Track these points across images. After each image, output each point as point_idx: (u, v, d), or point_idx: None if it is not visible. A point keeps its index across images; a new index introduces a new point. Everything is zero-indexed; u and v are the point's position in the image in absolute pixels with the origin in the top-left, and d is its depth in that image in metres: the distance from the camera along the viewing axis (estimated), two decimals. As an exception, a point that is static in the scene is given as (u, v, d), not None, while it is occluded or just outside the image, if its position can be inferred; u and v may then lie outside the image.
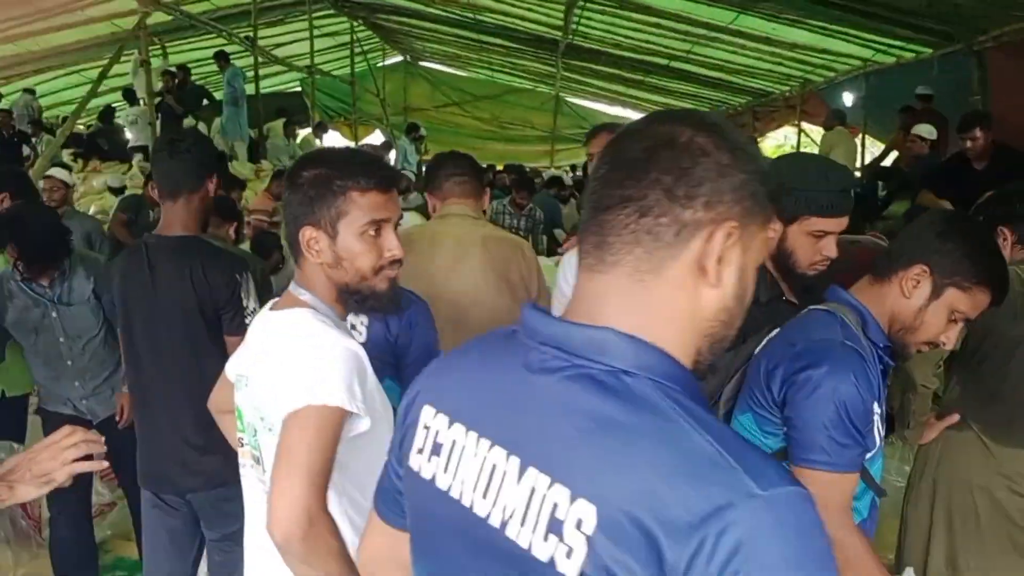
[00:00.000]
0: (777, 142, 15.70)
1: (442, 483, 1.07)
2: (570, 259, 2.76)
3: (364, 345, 2.39)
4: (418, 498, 1.13)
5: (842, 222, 2.20)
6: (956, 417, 2.80)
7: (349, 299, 1.83)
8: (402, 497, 1.19)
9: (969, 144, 5.58)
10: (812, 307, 1.99)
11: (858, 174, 9.52)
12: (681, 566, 0.82)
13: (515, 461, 0.98)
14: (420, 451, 1.11)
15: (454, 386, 1.12)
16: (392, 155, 13.93)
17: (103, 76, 8.07)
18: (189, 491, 2.83)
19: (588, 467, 0.90)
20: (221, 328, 2.76)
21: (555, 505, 0.92)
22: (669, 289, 0.96)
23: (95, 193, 10.34)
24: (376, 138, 18.38)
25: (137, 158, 11.12)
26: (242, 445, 1.90)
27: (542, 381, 0.98)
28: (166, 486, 2.88)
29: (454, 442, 1.06)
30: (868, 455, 1.85)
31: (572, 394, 0.95)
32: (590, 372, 0.95)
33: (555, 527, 0.91)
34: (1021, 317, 2.63)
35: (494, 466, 1.00)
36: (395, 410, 2.49)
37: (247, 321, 2.65)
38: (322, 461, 1.57)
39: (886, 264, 1.98)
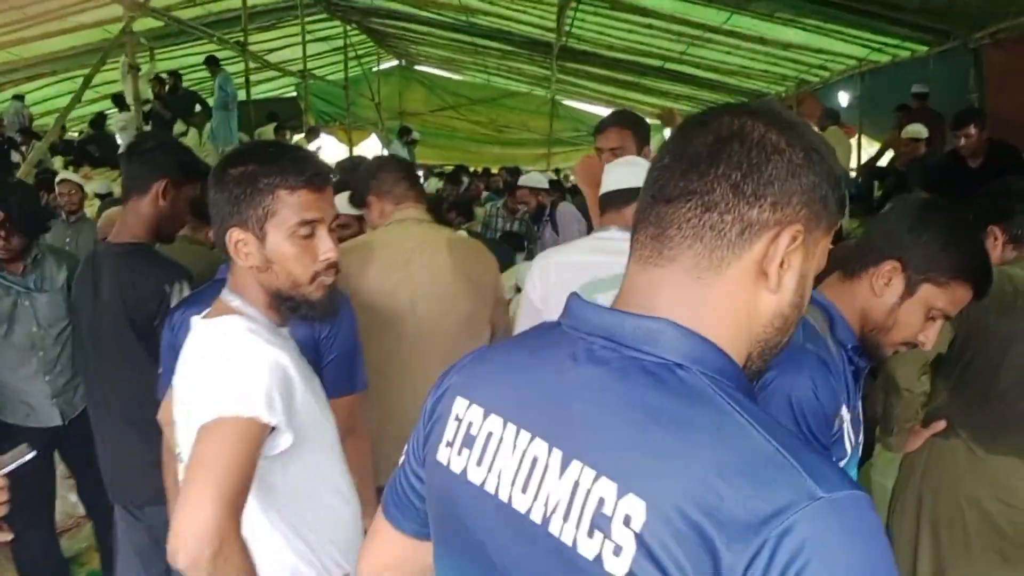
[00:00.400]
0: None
1: (475, 477, 1.02)
2: (538, 264, 2.65)
3: None
4: (445, 494, 1.07)
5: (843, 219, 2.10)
6: (943, 424, 2.69)
7: (282, 306, 1.72)
8: (419, 500, 1.15)
9: (963, 141, 5.51)
10: None
11: (853, 174, 9.45)
12: (739, 569, 0.78)
13: (557, 454, 0.93)
14: (449, 444, 1.06)
15: (490, 378, 1.07)
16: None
17: (87, 83, 7.96)
18: (145, 503, 2.73)
19: (637, 461, 0.86)
20: (155, 339, 2.64)
21: (601, 500, 0.87)
22: (728, 289, 0.93)
23: (87, 200, 10.26)
24: (372, 142, 18.31)
25: (127, 164, 11.06)
26: (181, 461, 1.78)
27: (589, 371, 0.95)
28: (122, 497, 2.79)
29: (490, 434, 1.01)
30: (839, 464, 1.73)
31: (621, 385, 0.91)
32: (642, 363, 0.92)
33: (601, 523, 0.86)
34: (1010, 315, 2.53)
35: (535, 459, 0.95)
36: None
37: None
38: (236, 477, 1.43)
39: (856, 260, 1.85)
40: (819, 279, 1.87)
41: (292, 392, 1.59)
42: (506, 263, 5.23)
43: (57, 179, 7.51)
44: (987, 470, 2.63)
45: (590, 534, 0.87)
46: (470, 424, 1.04)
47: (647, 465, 0.85)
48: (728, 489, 0.80)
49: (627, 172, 2.55)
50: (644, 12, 10.39)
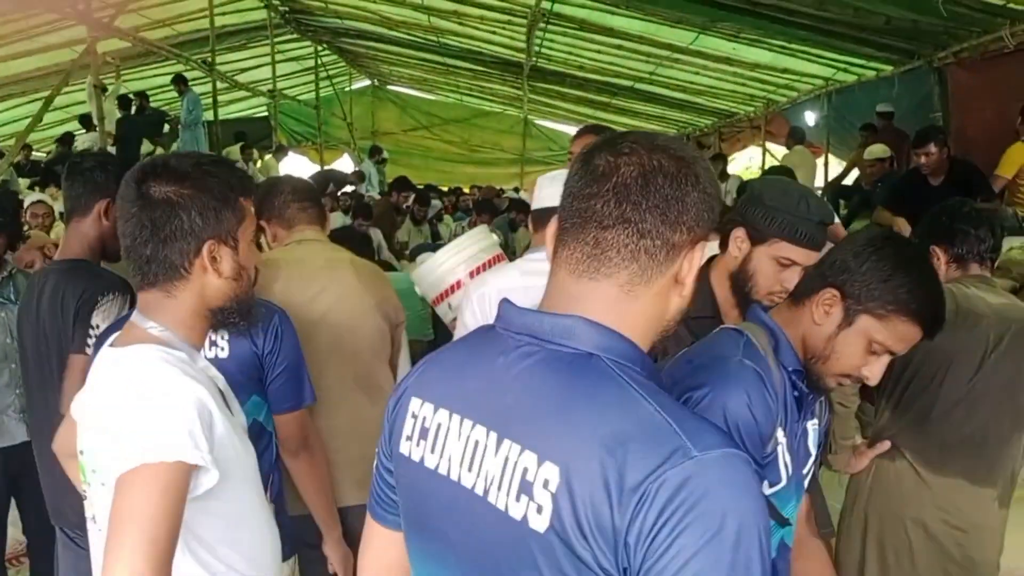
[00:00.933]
0: (743, 164, 15.63)
1: (430, 463, 1.18)
2: (476, 292, 2.57)
3: (227, 362, 2.27)
4: (409, 480, 1.24)
5: (812, 256, 2.07)
6: (887, 445, 2.66)
7: (221, 319, 1.66)
8: (394, 493, 1.29)
9: (924, 159, 5.47)
10: (723, 326, 1.83)
11: (819, 192, 9.48)
12: (627, 516, 0.96)
13: (493, 436, 1.10)
14: (408, 438, 1.22)
15: (438, 377, 1.24)
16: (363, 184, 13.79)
17: (48, 103, 7.94)
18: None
19: (553, 434, 1.04)
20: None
21: (525, 469, 1.05)
22: (651, 298, 1.12)
23: (56, 221, 10.12)
24: (344, 162, 18.23)
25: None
26: (85, 497, 1.69)
27: (517, 364, 1.12)
28: (62, 520, 2.70)
29: (439, 425, 1.18)
30: (772, 489, 1.66)
31: (543, 373, 1.09)
32: (559, 354, 1.10)
33: (526, 488, 1.04)
34: (950, 334, 2.49)
35: (476, 442, 1.12)
36: (262, 425, 2.38)
37: (90, 341, 2.44)
38: (166, 527, 1.35)
39: (802, 285, 1.82)
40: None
41: (213, 426, 1.52)
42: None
43: (28, 200, 7.38)
44: (933, 491, 2.60)
45: (518, 498, 1.05)
46: (424, 419, 1.20)
47: (561, 437, 1.03)
48: (623, 452, 0.98)
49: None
50: (612, 33, 10.42)
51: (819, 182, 9.99)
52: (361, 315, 2.83)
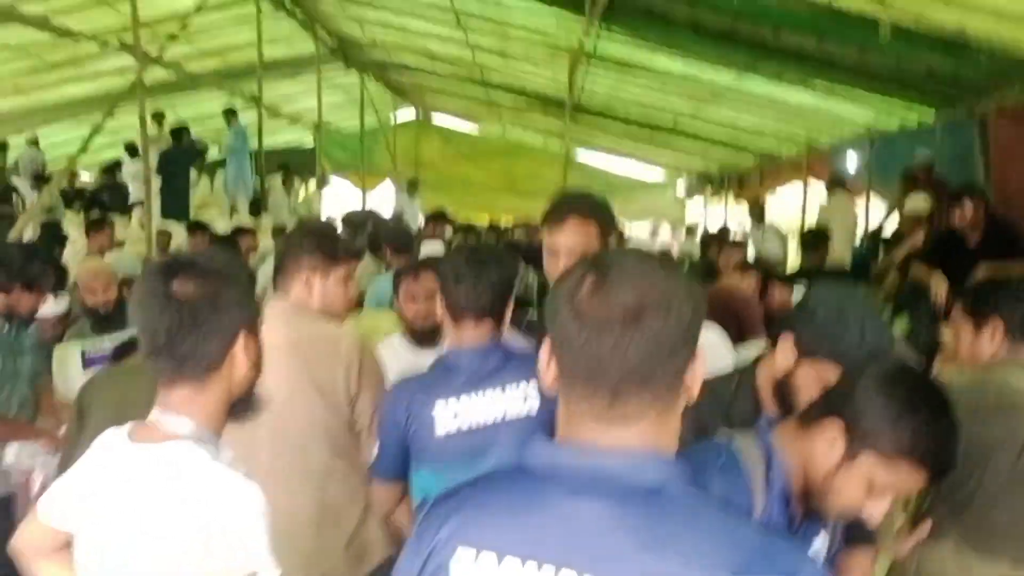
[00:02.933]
0: (781, 208, 15.33)
1: None
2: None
3: None
4: None
5: None
6: (928, 526, 2.49)
7: (235, 409, 1.68)
8: None
9: (958, 217, 5.34)
10: (712, 440, 1.75)
11: (858, 240, 9.36)
12: None
13: None
14: None
15: (490, 524, 1.16)
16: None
17: (95, 132, 8.09)
18: None
19: (664, 571, 1.05)
20: None
21: None
22: (674, 414, 1.17)
23: (98, 248, 10.31)
24: (386, 187, 18.31)
25: (137, 212, 11.12)
26: None
27: (589, 504, 1.10)
28: None
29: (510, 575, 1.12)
30: None
31: (626, 511, 1.09)
32: (632, 489, 1.10)
33: None
34: (990, 424, 2.41)
35: None
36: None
37: None
38: None
39: (810, 410, 1.74)
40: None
41: None
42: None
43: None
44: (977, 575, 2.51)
45: None
46: (486, 571, 1.13)
47: (677, 572, 1.04)
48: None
49: None
50: (655, 73, 10.43)
51: (859, 229, 9.84)
52: (299, 403, 2.66)
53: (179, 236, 9.67)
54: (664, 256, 1.13)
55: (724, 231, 12.24)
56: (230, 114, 12.86)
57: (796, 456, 1.68)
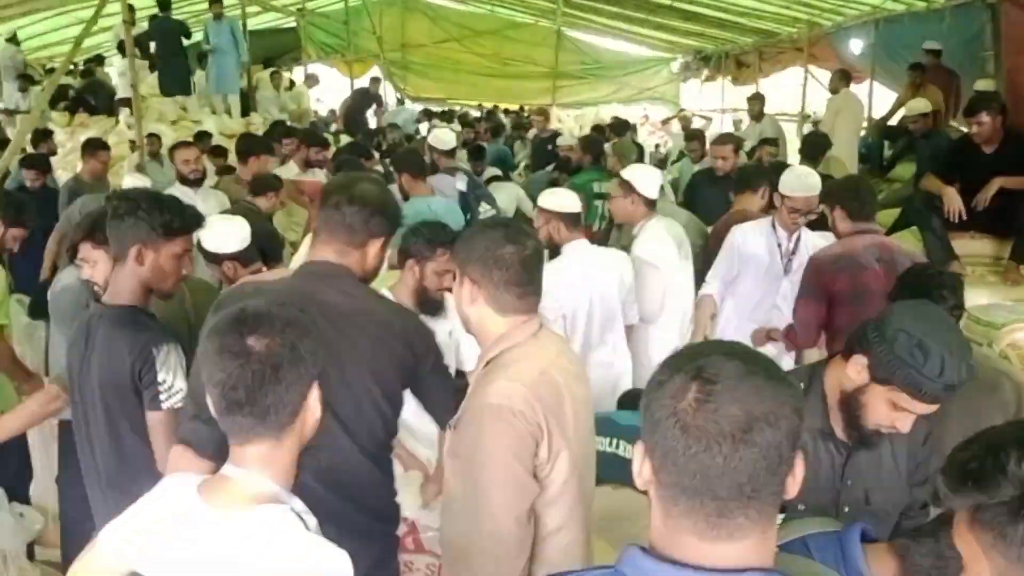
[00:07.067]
0: (782, 94, 15.03)
1: None
2: None
3: None
4: None
5: (930, 408, 2.00)
6: None
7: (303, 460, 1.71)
8: None
9: (976, 128, 5.23)
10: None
11: (863, 132, 9.25)
12: None
13: None
14: None
15: None
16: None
17: (86, 32, 7.83)
18: None
19: None
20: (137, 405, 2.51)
21: None
22: (774, 527, 1.16)
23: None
24: (373, 73, 17.86)
25: (124, 112, 10.80)
26: None
27: None
28: None
29: None
30: None
31: None
32: None
33: None
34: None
35: None
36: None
37: (163, 397, 2.43)
38: None
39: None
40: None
41: None
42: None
43: (172, 145, 6.89)
44: None
45: None
46: None
47: None
48: None
49: None
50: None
51: (864, 121, 9.68)
52: None
53: (168, 137, 9.47)
54: (765, 361, 1.09)
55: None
56: (216, 2, 12.26)
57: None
